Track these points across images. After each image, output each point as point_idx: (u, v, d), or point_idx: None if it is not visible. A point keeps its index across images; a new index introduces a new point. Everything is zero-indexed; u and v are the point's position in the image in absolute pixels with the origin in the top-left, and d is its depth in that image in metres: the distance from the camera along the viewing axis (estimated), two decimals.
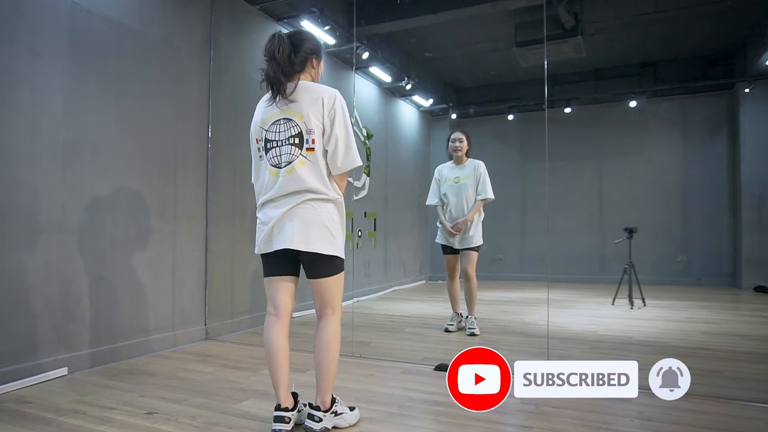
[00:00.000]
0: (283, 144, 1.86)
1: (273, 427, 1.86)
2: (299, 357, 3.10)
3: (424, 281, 7.56)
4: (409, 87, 6.34)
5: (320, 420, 1.88)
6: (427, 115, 7.89)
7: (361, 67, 5.66)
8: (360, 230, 5.77)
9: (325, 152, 1.88)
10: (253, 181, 2.00)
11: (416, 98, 7.00)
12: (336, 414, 1.94)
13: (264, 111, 1.92)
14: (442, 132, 7.95)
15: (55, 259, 2.68)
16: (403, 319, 4.56)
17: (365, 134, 5.92)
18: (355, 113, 5.56)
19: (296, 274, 2.00)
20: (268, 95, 1.92)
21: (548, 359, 2.91)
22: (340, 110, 1.87)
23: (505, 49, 5.96)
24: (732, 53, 6.59)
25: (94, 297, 2.88)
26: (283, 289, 1.97)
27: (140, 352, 3.14)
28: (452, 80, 7.73)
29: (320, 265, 1.90)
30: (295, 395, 1.97)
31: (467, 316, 3.88)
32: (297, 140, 1.85)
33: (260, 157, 1.93)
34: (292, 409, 1.91)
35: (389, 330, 4.06)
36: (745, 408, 2.23)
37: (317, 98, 1.85)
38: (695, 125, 7.07)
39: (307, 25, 4.56)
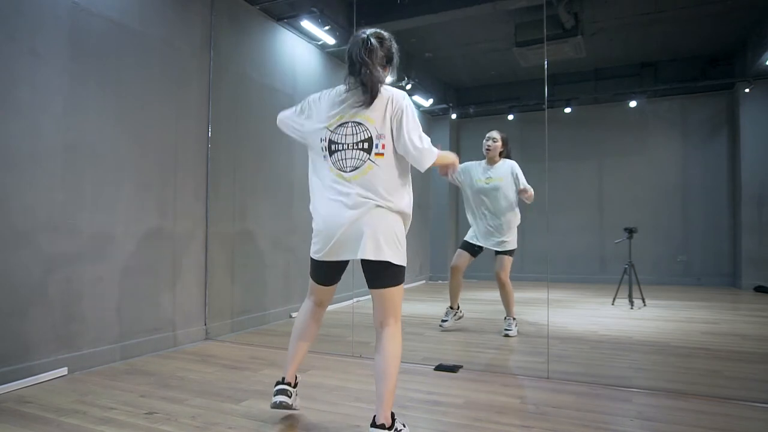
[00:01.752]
0: (350, 148, 1.80)
1: (275, 399, 1.90)
2: None
3: (424, 281, 7.56)
4: (409, 87, 6.33)
5: None
6: (427, 115, 7.89)
7: None
8: None
9: (398, 157, 1.83)
10: (310, 174, 1.95)
11: (416, 98, 7.00)
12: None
13: (331, 107, 1.86)
14: (443, 132, 7.96)
15: (55, 259, 2.69)
16: (403, 319, 4.52)
17: None
18: None
19: (340, 279, 2.05)
20: (341, 90, 1.86)
21: (548, 359, 2.91)
22: (409, 110, 1.82)
23: (505, 49, 5.96)
24: (732, 53, 6.58)
25: (94, 297, 2.88)
26: (328, 291, 2.05)
27: (140, 352, 3.14)
28: (452, 80, 7.73)
29: (387, 274, 1.83)
30: (295, 377, 2.05)
31: (505, 317, 3.84)
32: (366, 145, 1.79)
33: (324, 157, 1.87)
34: (294, 386, 1.99)
35: None
36: (745, 408, 2.23)
37: (386, 101, 1.81)
38: (695, 125, 7.07)
39: (307, 25, 4.57)
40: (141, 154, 3.20)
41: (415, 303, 5.58)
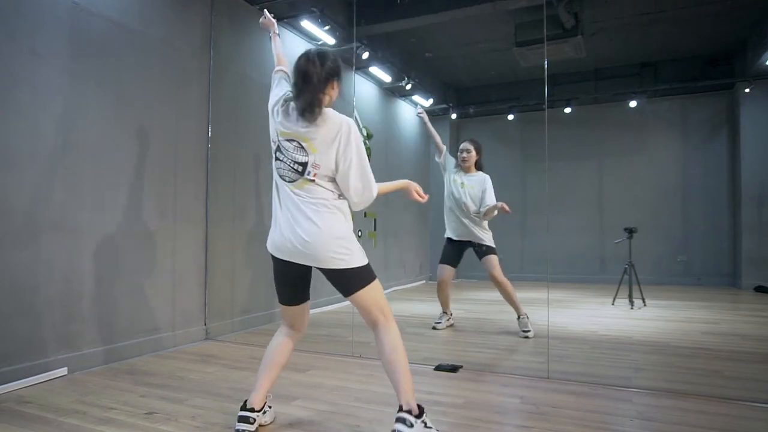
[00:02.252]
0: (288, 162, 1.83)
1: (237, 427, 1.87)
2: (300, 357, 3.11)
3: (424, 281, 7.56)
4: (409, 87, 6.33)
5: (412, 425, 1.71)
6: (428, 115, 7.89)
7: (361, 67, 5.66)
8: (360, 230, 5.76)
9: (329, 182, 1.84)
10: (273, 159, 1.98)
11: (416, 98, 7.00)
12: (426, 426, 1.77)
13: (285, 118, 1.86)
14: (443, 132, 7.92)
15: (55, 259, 2.68)
16: (403, 319, 4.56)
17: (365, 134, 5.91)
18: (355, 113, 5.55)
19: (308, 297, 2.02)
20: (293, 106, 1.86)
21: (548, 359, 2.91)
22: (353, 142, 1.81)
23: (505, 49, 5.96)
24: (732, 53, 6.58)
25: (94, 297, 2.88)
26: (298, 313, 2.01)
27: (140, 352, 3.14)
28: (452, 80, 7.73)
29: (349, 281, 1.83)
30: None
31: (518, 318, 3.83)
32: (300, 168, 1.81)
33: (274, 157, 1.90)
34: (259, 411, 1.92)
35: None
36: (745, 408, 2.23)
37: (334, 131, 1.79)
38: (695, 125, 7.07)
39: (307, 25, 4.56)
40: (141, 154, 3.20)
41: (415, 303, 5.58)
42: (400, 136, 6.98)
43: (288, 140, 1.84)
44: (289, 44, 4.65)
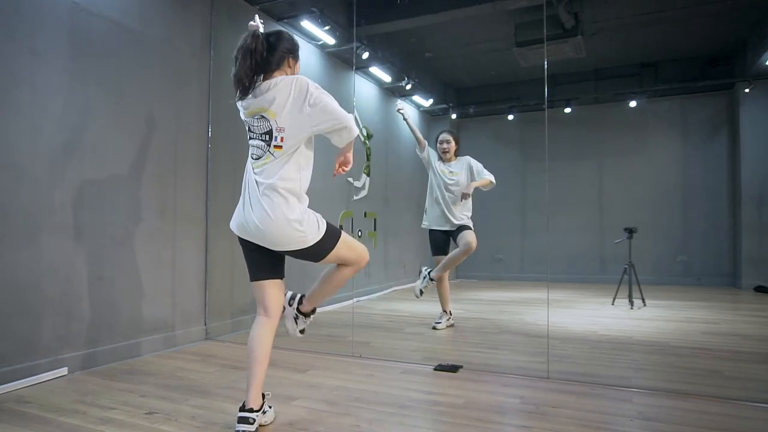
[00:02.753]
0: (257, 136, 1.91)
1: (237, 428, 1.86)
2: (300, 357, 3.11)
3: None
4: (409, 87, 6.34)
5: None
6: (427, 115, 7.89)
7: (361, 67, 5.66)
8: (360, 230, 5.76)
9: (294, 150, 1.88)
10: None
11: (416, 98, 7.00)
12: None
13: (246, 101, 1.92)
14: None
15: (55, 259, 2.69)
16: (403, 319, 4.56)
17: (365, 134, 5.91)
18: (355, 113, 5.56)
19: (281, 275, 2.05)
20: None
21: (548, 359, 2.91)
22: (315, 91, 1.86)
23: (505, 49, 5.96)
24: (732, 53, 6.58)
25: (94, 297, 2.88)
26: (269, 291, 2.00)
27: (140, 352, 3.14)
28: (452, 80, 7.73)
29: (315, 252, 1.93)
30: (263, 395, 1.98)
31: (444, 311, 4.02)
32: (267, 137, 1.88)
33: (248, 138, 1.97)
34: (258, 410, 1.91)
35: (389, 330, 4.06)
36: (745, 408, 2.23)
37: (286, 90, 1.85)
38: (695, 125, 7.07)
39: (307, 25, 4.57)
40: (141, 154, 3.20)
41: (415, 303, 5.57)
42: (400, 136, 6.98)
43: (252, 117, 1.91)
44: None
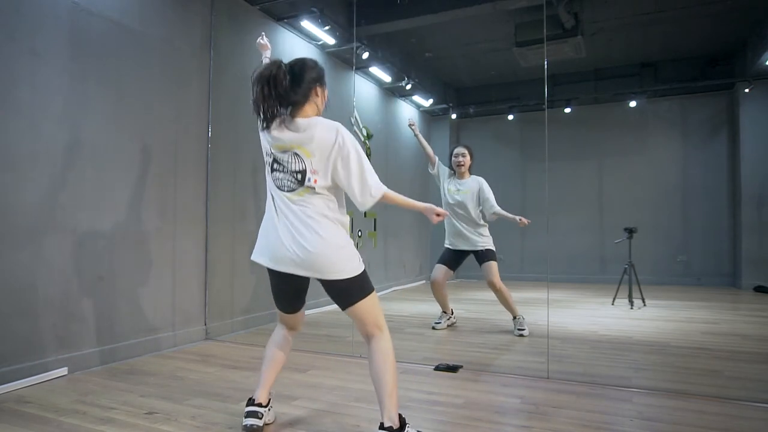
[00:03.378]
0: (288, 173, 1.81)
1: (245, 422, 1.87)
2: (300, 357, 3.11)
3: (424, 281, 7.55)
4: (409, 87, 6.34)
5: None
6: (427, 115, 7.89)
7: (361, 67, 5.66)
8: (360, 230, 5.76)
9: (330, 189, 1.83)
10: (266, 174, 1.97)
11: (416, 98, 7.00)
12: None
13: (276, 131, 1.82)
14: (442, 132, 7.95)
15: (55, 259, 2.68)
16: (403, 319, 4.56)
17: (365, 134, 5.91)
18: (355, 113, 5.56)
19: (304, 302, 2.06)
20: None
21: (548, 359, 2.91)
22: (350, 145, 1.79)
23: (505, 49, 5.95)
24: (732, 53, 6.58)
25: (94, 297, 2.88)
26: (295, 318, 2.07)
27: (140, 352, 3.14)
28: (452, 80, 7.73)
29: (347, 292, 1.83)
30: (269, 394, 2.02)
31: (513, 318, 3.88)
32: (299, 176, 1.79)
33: (268, 171, 1.89)
34: (266, 406, 1.95)
35: (389, 330, 4.05)
36: (745, 408, 2.23)
37: (329, 135, 1.78)
38: (695, 125, 7.07)
39: (307, 25, 4.57)
40: (141, 154, 3.20)
41: (415, 303, 5.57)
42: (400, 136, 6.98)
43: (282, 152, 1.82)
44: (289, 44, 4.66)
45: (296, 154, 1.79)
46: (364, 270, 1.87)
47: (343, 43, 5.03)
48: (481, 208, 3.93)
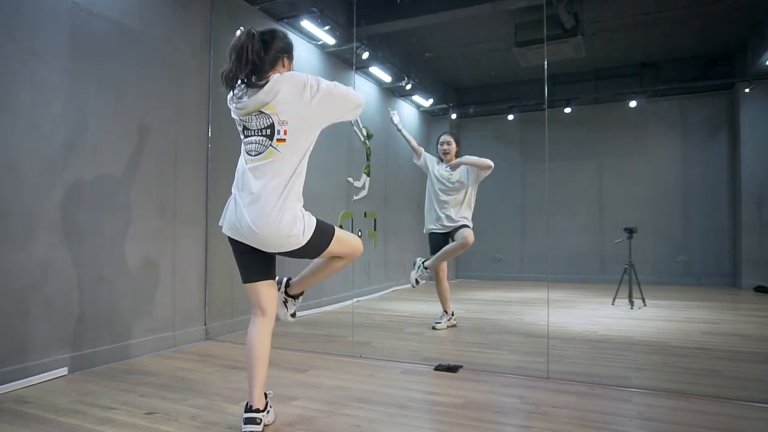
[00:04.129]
0: (257, 132, 1.87)
1: (244, 429, 1.86)
2: (300, 357, 3.11)
3: (424, 281, 7.55)
4: (409, 87, 6.34)
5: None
6: (427, 115, 7.89)
7: (361, 67, 5.66)
8: (360, 230, 5.76)
9: (298, 145, 1.87)
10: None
11: (416, 98, 7.00)
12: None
13: (243, 98, 1.88)
14: (442, 132, 7.95)
15: (55, 259, 2.68)
16: (403, 319, 4.56)
17: (365, 134, 5.91)
18: None
19: (274, 275, 2.07)
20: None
21: (548, 359, 2.91)
22: (316, 83, 1.86)
23: (505, 49, 5.96)
24: (732, 53, 6.58)
25: (94, 297, 2.88)
26: (262, 291, 2.01)
27: (140, 352, 3.14)
28: (452, 80, 7.73)
29: (309, 250, 1.95)
30: (265, 395, 1.98)
31: (445, 311, 4.00)
32: (268, 131, 1.85)
33: (243, 137, 1.96)
34: (263, 410, 1.93)
35: (389, 330, 4.06)
36: (745, 408, 2.23)
37: (298, 84, 1.84)
38: (695, 125, 7.07)
39: (307, 25, 4.57)
40: (141, 154, 3.20)
41: (415, 303, 5.57)
42: (400, 136, 6.97)
43: (248, 115, 1.88)
44: None
45: (261, 112, 1.85)
46: (316, 228, 1.91)
47: (343, 43, 5.03)
48: (477, 178, 3.96)
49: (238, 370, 2.84)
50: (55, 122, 2.70)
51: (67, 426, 2.01)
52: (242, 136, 1.95)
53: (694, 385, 2.58)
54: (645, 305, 5.08)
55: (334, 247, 1.98)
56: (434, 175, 4.11)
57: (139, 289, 3.16)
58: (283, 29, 2.02)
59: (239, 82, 1.85)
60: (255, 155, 1.89)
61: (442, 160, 4.12)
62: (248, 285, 2.01)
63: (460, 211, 4.02)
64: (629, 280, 5.09)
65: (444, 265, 4.08)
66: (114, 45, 3.03)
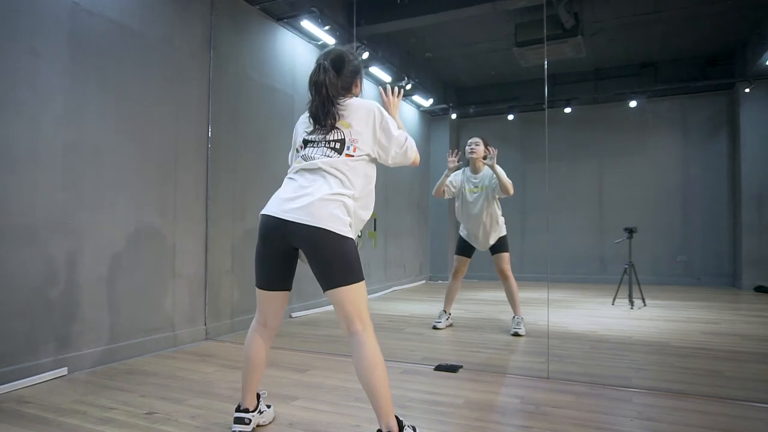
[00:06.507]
0: (322, 146, 1.83)
1: (233, 428, 1.86)
2: (300, 357, 3.11)
3: (424, 281, 7.56)
4: (409, 87, 6.34)
5: None
6: (427, 115, 7.90)
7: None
8: (360, 231, 5.77)
9: (362, 164, 1.85)
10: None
11: (416, 98, 7.00)
12: None
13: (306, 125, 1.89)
14: (442, 132, 7.96)
15: (55, 259, 2.69)
16: (403, 319, 4.56)
17: None
18: None
19: (290, 287, 1.91)
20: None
21: (548, 359, 2.91)
22: (387, 117, 1.90)
23: (505, 49, 5.96)
24: (732, 53, 6.59)
25: (94, 297, 2.88)
26: (273, 303, 1.89)
27: (140, 352, 3.14)
28: (452, 80, 7.73)
29: (336, 267, 1.71)
30: (257, 396, 1.97)
31: (513, 317, 3.87)
32: (338, 145, 1.82)
33: (294, 155, 1.94)
34: (253, 411, 1.92)
35: (389, 330, 4.06)
36: (745, 408, 2.23)
37: (365, 110, 1.86)
38: (695, 125, 7.07)
39: (307, 25, 4.57)
40: (141, 154, 3.20)
41: (415, 303, 5.58)
42: None
43: (317, 131, 1.86)
44: (290, 44, 4.66)
45: (335, 127, 1.84)
46: (357, 250, 1.80)
47: (343, 43, 5.02)
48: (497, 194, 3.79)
49: (238, 370, 2.84)
50: (55, 122, 2.70)
51: (67, 426, 2.01)
52: (298, 150, 1.89)
53: (694, 385, 2.58)
54: (645, 305, 5.08)
55: (361, 289, 1.77)
56: (465, 189, 3.96)
57: (139, 289, 3.16)
58: (351, 49, 2.00)
59: (322, 120, 1.83)
60: (317, 158, 1.82)
61: (469, 169, 3.95)
62: (262, 291, 1.88)
63: (494, 222, 3.93)
64: (629, 280, 5.09)
65: (463, 269, 4.07)
66: (114, 45, 3.03)
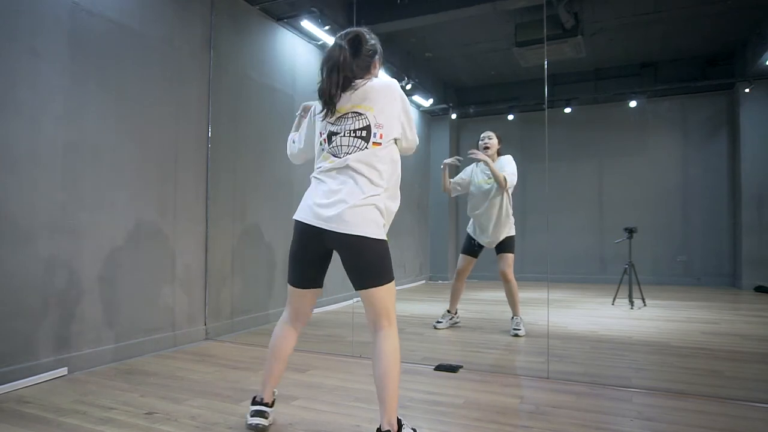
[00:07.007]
0: (348, 135, 1.79)
1: (251, 421, 1.86)
2: (300, 357, 3.11)
3: (424, 281, 7.56)
4: (409, 87, 6.33)
5: None
6: (427, 115, 7.89)
7: None
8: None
9: (390, 150, 1.84)
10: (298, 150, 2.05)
11: (416, 98, 7.00)
12: None
13: (330, 114, 1.85)
14: (443, 132, 7.95)
15: (55, 259, 2.68)
16: (403, 319, 4.56)
17: None
18: None
19: (322, 284, 1.95)
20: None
21: (548, 359, 2.91)
22: (406, 103, 1.91)
23: (505, 49, 5.96)
24: (732, 53, 6.59)
25: (94, 297, 2.88)
26: (305, 299, 1.92)
27: (140, 352, 3.14)
28: (452, 80, 7.73)
29: (371, 271, 1.74)
30: (272, 393, 2.00)
31: (512, 317, 3.87)
32: (364, 133, 1.78)
33: (319, 150, 1.88)
34: (271, 406, 1.94)
35: None
36: (745, 408, 2.23)
37: (388, 90, 1.84)
38: (695, 125, 7.07)
39: (307, 25, 4.57)
40: (141, 154, 3.20)
41: (415, 303, 5.58)
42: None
43: (340, 118, 1.82)
44: (289, 44, 4.66)
45: (357, 112, 1.80)
46: (389, 251, 1.80)
47: None
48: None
49: (238, 370, 2.84)
50: (55, 122, 2.70)
51: (67, 426, 2.01)
52: (323, 144, 1.85)
53: (694, 385, 2.58)
54: (645, 305, 5.08)
55: (391, 290, 1.78)
56: (476, 182, 4.01)
57: (139, 289, 3.16)
58: (368, 31, 1.99)
59: (336, 99, 1.81)
60: (344, 155, 1.79)
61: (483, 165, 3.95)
62: (295, 289, 1.90)
63: (503, 221, 3.98)
64: (629, 280, 5.09)
65: (470, 264, 4.06)
66: (114, 45, 3.03)
